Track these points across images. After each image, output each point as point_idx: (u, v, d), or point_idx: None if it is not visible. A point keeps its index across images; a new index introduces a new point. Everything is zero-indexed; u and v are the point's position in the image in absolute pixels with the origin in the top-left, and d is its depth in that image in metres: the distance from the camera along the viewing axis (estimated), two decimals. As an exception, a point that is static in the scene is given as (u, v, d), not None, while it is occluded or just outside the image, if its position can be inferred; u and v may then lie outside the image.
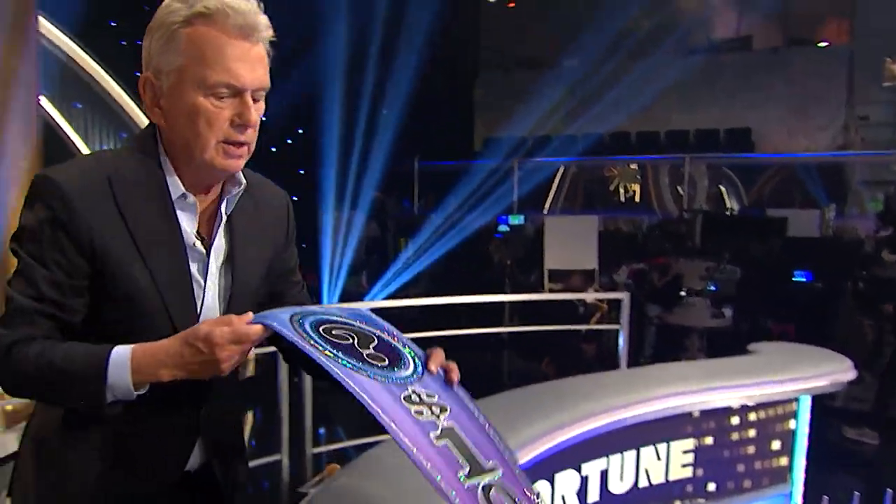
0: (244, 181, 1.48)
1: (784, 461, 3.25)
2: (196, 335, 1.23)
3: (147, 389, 1.30)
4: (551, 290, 7.39)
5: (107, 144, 7.15)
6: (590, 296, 6.37)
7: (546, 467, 2.46)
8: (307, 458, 4.37)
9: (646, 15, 11.80)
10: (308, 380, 4.22)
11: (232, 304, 1.49)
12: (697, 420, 3.05)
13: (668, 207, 11.70)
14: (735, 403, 3.10)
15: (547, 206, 11.48)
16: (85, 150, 7.03)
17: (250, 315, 1.27)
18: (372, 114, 9.91)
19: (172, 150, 1.42)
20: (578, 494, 2.70)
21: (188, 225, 1.43)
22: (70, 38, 6.61)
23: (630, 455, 2.88)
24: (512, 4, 11.98)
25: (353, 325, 1.39)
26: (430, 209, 11.05)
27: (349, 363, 1.26)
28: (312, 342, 1.26)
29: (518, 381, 6.59)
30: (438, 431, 1.25)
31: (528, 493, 1.32)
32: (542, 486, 2.47)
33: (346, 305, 1.49)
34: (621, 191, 12.03)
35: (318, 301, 1.71)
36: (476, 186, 10.76)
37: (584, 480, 2.73)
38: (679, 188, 11.68)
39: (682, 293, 7.47)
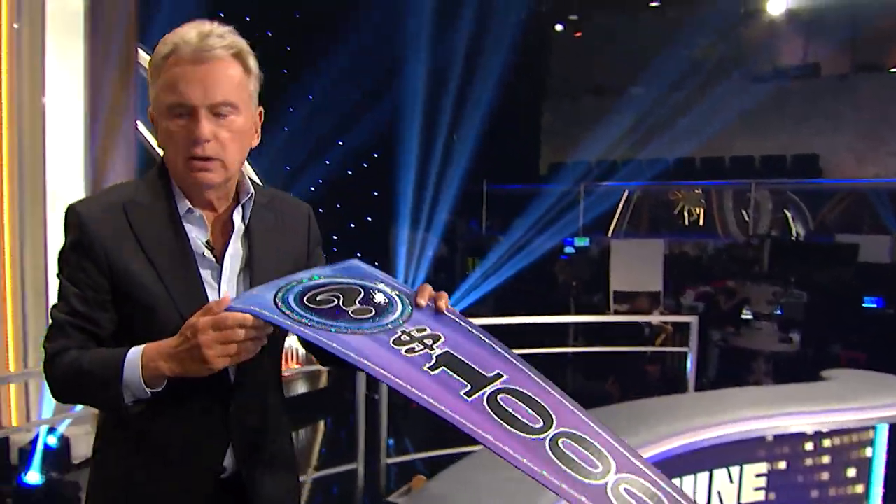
0: (251, 191, 1.54)
1: (860, 489, 3.14)
2: (185, 325, 1.30)
3: (162, 388, 1.37)
4: (616, 312, 7.31)
5: None
6: (657, 318, 6.22)
7: None
8: (382, 468, 4.37)
9: (713, 43, 11.56)
10: (385, 391, 4.25)
11: None
12: (771, 444, 2.98)
13: (732, 232, 11.41)
14: (809, 429, 3.02)
15: (611, 229, 11.32)
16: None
17: (227, 300, 1.30)
18: (444, 139, 10.02)
19: (172, 172, 1.51)
20: None
21: (197, 236, 1.50)
22: None
23: (703, 477, 2.83)
24: (579, 34, 11.89)
25: (340, 283, 1.42)
26: (497, 230, 11.06)
27: (335, 327, 1.29)
28: (296, 317, 1.29)
29: (583, 401, 6.51)
30: (433, 361, 1.27)
31: (542, 384, 1.32)
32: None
33: (338, 264, 1.48)
34: (686, 215, 11.77)
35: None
36: (542, 209, 10.72)
37: None
38: (744, 213, 11.37)
39: (749, 317, 7.28)
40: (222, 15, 5.95)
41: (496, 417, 1.23)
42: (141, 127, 6.34)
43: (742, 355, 7.05)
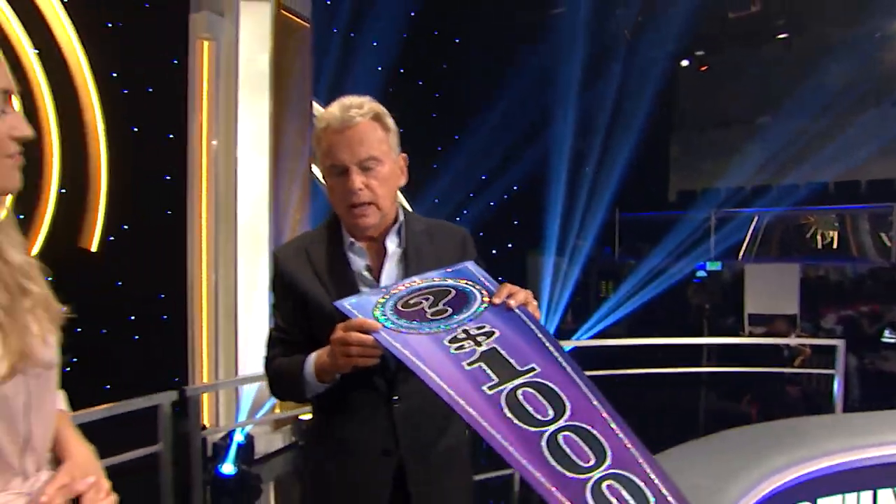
0: (401, 220, 1.73)
1: None
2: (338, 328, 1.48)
3: (333, 383, 1.58)
4: (751, 334, 6.96)
5: None
6: (800, 341, 5.81)
7: (783, 499, 2.31)
8: None
9: (844, 71, 10.80)
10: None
11: None
12: None
13: (869, 255, 10.49)
14: None
15: (741, 253, 10.74)
16: None
17: (358, 320, 1.44)
18: (578, 172, 10.02)
19: (340, 218, 1.74)
20: None
21: (358, 261, 1.71)
22: None
23: (866, 496, 2.62)
24: (704, 68, 11.49)
25: (439, 286, 1.54)
26: (629, 256, 10.88)
27: (407, 328, 1.41)
28: (381, 321, 1.43)
29: (719, 420, 6.26)
30: (475, 357, 1.35)
31: (573, 380, 1.35)
32: None
33: (452, 267, 1.60)
34: (819, 238, 10.95)
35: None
36: (672, 235, 10.40)
37: None
38: (883, 236, 10.40)
39: (893, 340, 6.66)
40: (380, 69, 6.28)
41: (506, 410, 1.29)
42: (314, 168, 6.78)
43: (887, 379, 6.45)
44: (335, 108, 1.64)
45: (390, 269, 1.72)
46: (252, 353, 5.99)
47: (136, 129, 6.43)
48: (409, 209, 1.87)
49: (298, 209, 6.30)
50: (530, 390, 1.35)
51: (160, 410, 2.89)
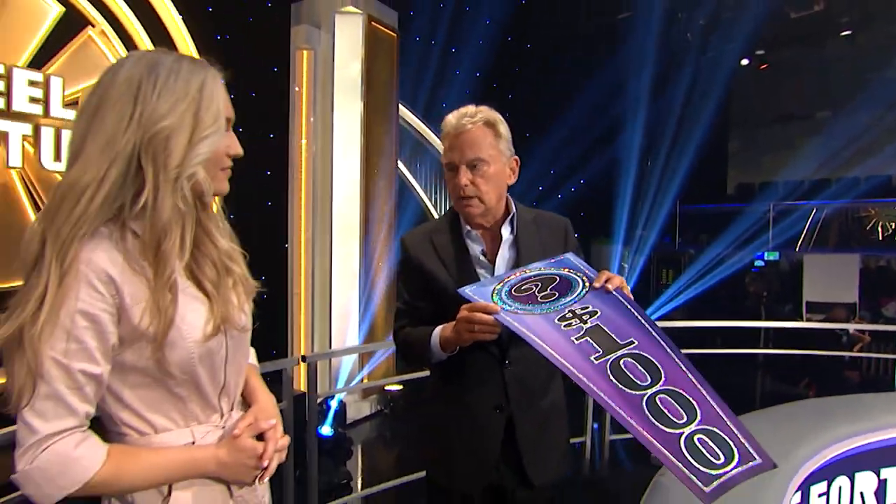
0: (513, 211, 1.84)
1: None
2: (463, 309, 1.59)
3: (454, 352, 1.69)
4: (809, 321, 6.72)
5: (437, 191, 7.93)
6: (860, 326, 5.60)
7: (845, 467, 2.32)
8: (606, 442, 4.37)
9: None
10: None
11: None
12: None
13: (930, 247, 9.88)
14: None
15: (799, 244, 10.32)
16: (424, 197, 7.87)
17: (479, 302, 1.56)
18: (642, 166, 9.92)
19: None
20: (876, 494, 2.49)
21: (475, 247, 1.83)
22: (420, 119, 7.45)
23: None
24: (764, 66, 11.05)
25: (546, 274, 1.64)
26: (688, 246, 10.71)
27: (522, 309, 1.52)
28: (500, 304, 1.54)
29: (776, 401, 6.07)
30: (581, 332, 1.46)
31: (668, 352, 1.46)
32: (841, 481, 2.33)
33: (555, 258, 1.69)
34: (879, 230, 10.37)
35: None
36: (730, 226, 10.14)
37: (883, 483, 2.49)
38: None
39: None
40: (458, 73, 6.35)
41: (611, 376, 1.41)
42: (400, 164, 7.06)
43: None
44: (454, 116, 1.77)
45: (503, 254, 1.83)
46: (343, 328, 6.28)
47: (241, 129, 6.80)
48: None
49: (385, 201, 6.50)
50: (630, 360, 1.45)
51: (284, 374, 3.06)
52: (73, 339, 1.01)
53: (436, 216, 7.87)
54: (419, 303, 1.86)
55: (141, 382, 1.12)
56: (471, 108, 1.77)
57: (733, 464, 1.61)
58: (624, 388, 1.45)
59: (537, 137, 7.69)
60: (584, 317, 1.53)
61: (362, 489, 4.63)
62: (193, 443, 1.17)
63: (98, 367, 1.05)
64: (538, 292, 1.60)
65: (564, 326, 1.51)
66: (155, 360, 1.10)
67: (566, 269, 1.66)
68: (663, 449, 1.57)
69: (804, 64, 10.88)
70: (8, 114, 3.97)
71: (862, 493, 2.45)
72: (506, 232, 1.83)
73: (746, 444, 1.61)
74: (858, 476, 2.43)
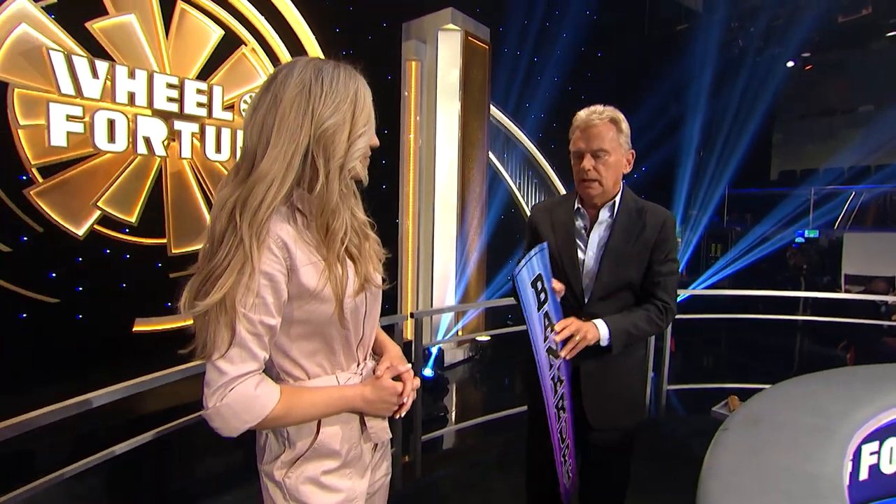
0: (617, 199, 1.76)
1: None
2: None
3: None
4: (848, 292, 6.35)
5: (522, 178, 7.75)
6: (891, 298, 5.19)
7: (887, 430, 2.06)
8: (663, 392, 4.09)
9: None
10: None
11: (603, 267, 1.75)
12: None
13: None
14: None
15: (837, 224, 9.66)
16: (512, 184, 7.72)
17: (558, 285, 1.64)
18: (695, 156, 9.43)
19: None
20: None
21: (580, 222, 1.81)
22: (508, 117, 7.41)
23: None
24: (809, 67, 10.24)
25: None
26: (735, 224, 10.15)
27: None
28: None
29: (814, 361, 5.75)
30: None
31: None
32: (872, 446, 2.05)
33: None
34: (916, 212, 9.53)
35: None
36: (774, 208, 9.59)
37: None
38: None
39: None
40: (539, 78, 6.26)
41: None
42: (491, 155, 7.10)
43: None
44: (584, 112, 1.74)
45: (597, 232, 1.78)
46: (443, 290, 6.39)
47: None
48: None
49: (479, 184, 6.41)
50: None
51: (396, 327, 3.02)
52: (257, 295, 0.99)
53: (521, 200, 7.72)
54: None
55: (302, 333, 1.09)
56: (599, 107, 1.73)
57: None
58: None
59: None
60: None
61: (457, 422, 4.53)
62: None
63: (274, 318, 1.02)
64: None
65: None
66: (320, 315, 1.08)
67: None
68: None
69: (848, 61, 9.98)
70: (181, 115, 4.13)
71: None
72: (604, 213, 1.76)
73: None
74: None
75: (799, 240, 8.67)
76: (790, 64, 10.11)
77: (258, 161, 1.04)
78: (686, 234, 9.23)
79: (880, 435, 2.08)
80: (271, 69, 4.75)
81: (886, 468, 2.13)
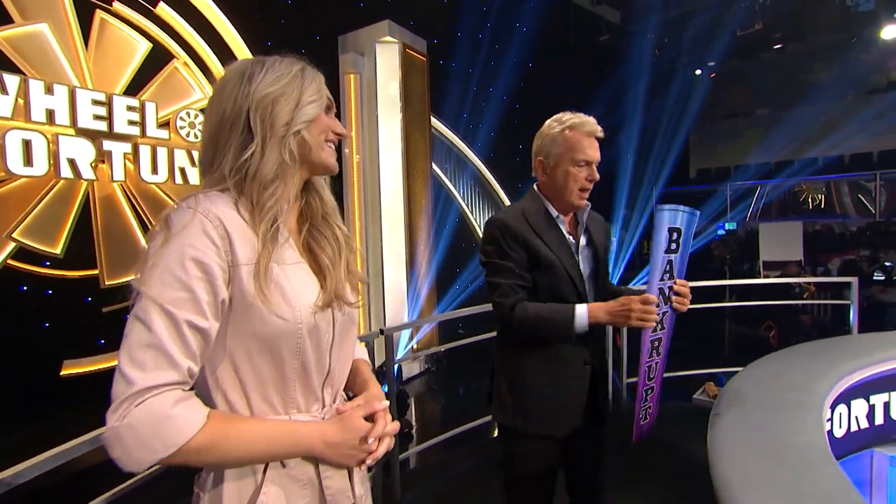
0: (589, 205, 1.73)
1: None
2: (623, 300, 1.55)
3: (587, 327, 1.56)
4: (766, 277, 6.81)
5: (466, 189, 7.64)
6: (816, 279, 5.64)
7: (846, 395, 2.28)
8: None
9: (825, 66, 10.22)
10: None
11: (598, 268, 1.75)
12: None
13: (849, 213, 9.98)
14: None
15: (748, 215, 10.39)
16: (463, 204, 7.61)
17: (650, 297, 1.52)
18: (631, 158, 9.79)
19: (550, 195, 1.71)
20: (869, 417, 2.44)
21: (564, 230, 1.69)
22: (449, 128, 7.31)
23: None
24: (713, 75, 11.02)
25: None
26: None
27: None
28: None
29: (742, 342, 6.12)
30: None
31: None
32: (840, 409, 2.26)
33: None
34: (809, 202, 10.51)
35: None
36: (694, 203, 10.13)
37: (872, 409, 2.44)
38: (861, 197, 9.91)
39: (881, 278, 6.41)
40: (474, 89, 6.26)
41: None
42: (434, 165, 6.99)
43: (882, 307, 6.23)
44: (589, 119, 1.68)
45: (580, 239, 1.74)
46: (398, 304, 6.24)
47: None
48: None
49: (423, 195, 6.27)
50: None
51: (368, 346, 2.98)
52: (184, 287, 0.78)
53: (473, 221, 7.65)
54: (528, 275, 1.63)
55: (245, 356, 0.85)
56: (588, 117, 1.70)
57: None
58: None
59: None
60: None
61: (422, 435, 4.41)
62: None
63: (206, 321, 0.79)
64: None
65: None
66: (263, 328, 0.84)
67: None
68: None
69: (746, 71, 10.79)
70: (111, 135, 3.74)
71: (857, 417, 2.50)
72: (583, 217, 1.75)
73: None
74: (854, 403, 2.35)
75: (721, 232, 9.24)
76: (698, 72, 10.81)
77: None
78: (627, 236, 9.58)
79: (842, 399, 2.25)
80: (206, 84, 4.42)
81: (853, 426, 2.36)
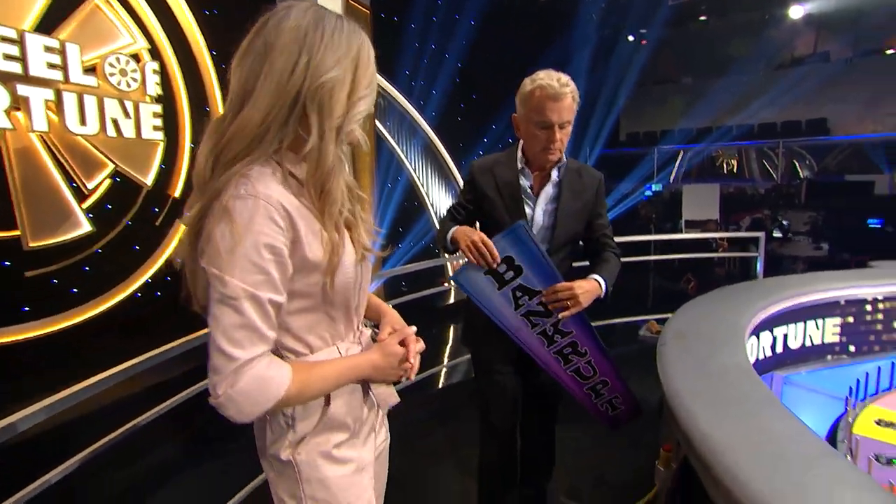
0: (564, 161, 1.81)
1: None
2: (465, 231, 1.69)
3: (454, 251, 1.74)
4: (688, 233, 7.28)
5: (408, 148, 7.49)
6: (731, 235, 6.13)
7: (757, 329, 2.52)
8: None
9: (743, 42, 10.85)
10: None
11: (558, 222, 1.82)
12: (844, 306, 2.97)
13: (756, 177, 10.79)
14: (869, 296, 2.97)
15: (672, 178, 11.00)
16: (412, 172, 7.48)
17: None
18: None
19: (525, 150, 1.81)
20: (772, 347, 2.78)
21: (525, 182, 1.82)
22: (400, 93, 7.08)
23: (800, 326, 2.87)
24: (644, 42, 11.37)
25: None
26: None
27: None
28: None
29: (665, 294, 6.58)
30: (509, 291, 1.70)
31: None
32: (753, 340, 2.52)
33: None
34: (724, 166, 11.27)
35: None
36: (625, 167, 10.69)
37: (775, 340, 2.78)
38: (766, 163, 10.76)
39: (779, 235, 7.11)
40: (416, 45, 6.15)
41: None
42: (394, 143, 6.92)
43: (786, 259, 6.93)
44: (553, 80, 1.66)
45: (547, 190, 1.83)
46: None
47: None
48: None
49: (367, 154, 6.26)
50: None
51: None
52: (262, 271, 0.88)
53: (423, 190, 7.58)
54: (464, 211, 1.90)
55: (303, 307, 1.00)
56: (563, 77, 1.68)
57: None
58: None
59: (480, 99, 7.53)
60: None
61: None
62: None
63: (282, 296, 0.93)
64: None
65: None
66: (321, 285, 0.98)
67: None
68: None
69: (674, 40, 11.12)
70: (27, 78, 3.35)
71: (763, 347, 2.70)
72: (555, 174, 1.81)
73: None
74: (762, 335, 2.65)
75: (648, 193, 9.76)
76: (630, 38, 11.13)
77: (241, 111, 0.91)
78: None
79: (754, 332, 2.50)
80: (134, 27, 4.07)
81: (761, 355, 2.65)
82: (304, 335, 1.03)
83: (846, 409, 2.27)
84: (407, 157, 7.38)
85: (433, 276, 3.27)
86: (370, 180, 6.29)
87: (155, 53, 4.22)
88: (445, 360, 4.99)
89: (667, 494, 1.79)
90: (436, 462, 2.99)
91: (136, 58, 4.09)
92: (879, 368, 2.67)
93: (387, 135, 7.08)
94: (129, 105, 4.04)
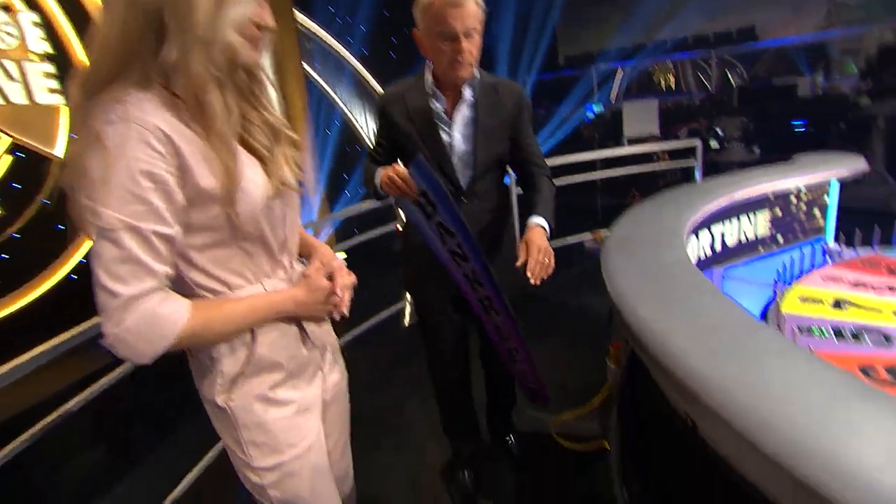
0: (477, 76, 1.70)
1: (821, 222, 3.31)
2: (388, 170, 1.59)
3: (385, 196, 1.67)
4: (629, 148, 7.36)
5: (337, 86, 7.24)
6: (668, 145, 6.20)
7: (696, 227, 2.64)
8: None
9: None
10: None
11: (478, 145, 1.74)
12: (773, 200, 3.12)
13: (692, 89, 10.98)
14: (794, 188, 3.15)
15: (613, 96, 11.01)
16: (346, 110, 7.20)
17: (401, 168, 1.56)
18: (496, 47, 9.57)
19: (434, 69, 1.70)
20: (711, 246, 2.92)
21: (438, 105, 1.71)
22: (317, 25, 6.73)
23: (735, 221, 3.02)
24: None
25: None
26: (539, 108, 10.85)
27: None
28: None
29: (613, 210, 6.76)
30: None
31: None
32: (693, 241, 2.67)
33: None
34: (661, 81, 11.36)
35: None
36: (564, 89, 10.59)
37: (713, 237, 2.92)
38: (700, 75, 10.93)
39: (715, 144, 7.34)
40: None
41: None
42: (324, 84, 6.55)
43: (722, 165, 7.21)
44: None
45: (462, 112, 1.72)
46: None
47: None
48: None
49: (299, 98, 5.88)
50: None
51: None
52: (141, 200, 0.82)
53: (358, 127, 7.31)
54: (383, 150, 1.82)
55: (210, 242, 0.95)
56: None
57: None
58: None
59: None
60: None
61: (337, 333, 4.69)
62: None
63: (170, 228, 0.86)
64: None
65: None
66: (225, 216, 0.92)
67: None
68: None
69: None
70: None
71: (703, 246, 2.85)
72: (467, 93, 1.70)
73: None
74: (701, 233, 2.80)
75: (589, 114, 9.77)
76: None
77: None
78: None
79: (694, 231, 2.61)
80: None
81: (701, 254, 2.76)
82: (215, 271, 0.98)
83: (775, 292, 2.43)
84: (341, 100, 7.08)
85: (386, 219, 3.23)
86: (304, 126, 6.06)
87: (32, 3, 3.72)
88: (408, 296, 5.02)
89: (618, 388, 1.90)
90: (405, 397, 3.07)
91: (5, 8, 3.62)
92: (802, 253, 2.84)
93: (317, 77, 6.73)
94: (11, 66, 3.61)
